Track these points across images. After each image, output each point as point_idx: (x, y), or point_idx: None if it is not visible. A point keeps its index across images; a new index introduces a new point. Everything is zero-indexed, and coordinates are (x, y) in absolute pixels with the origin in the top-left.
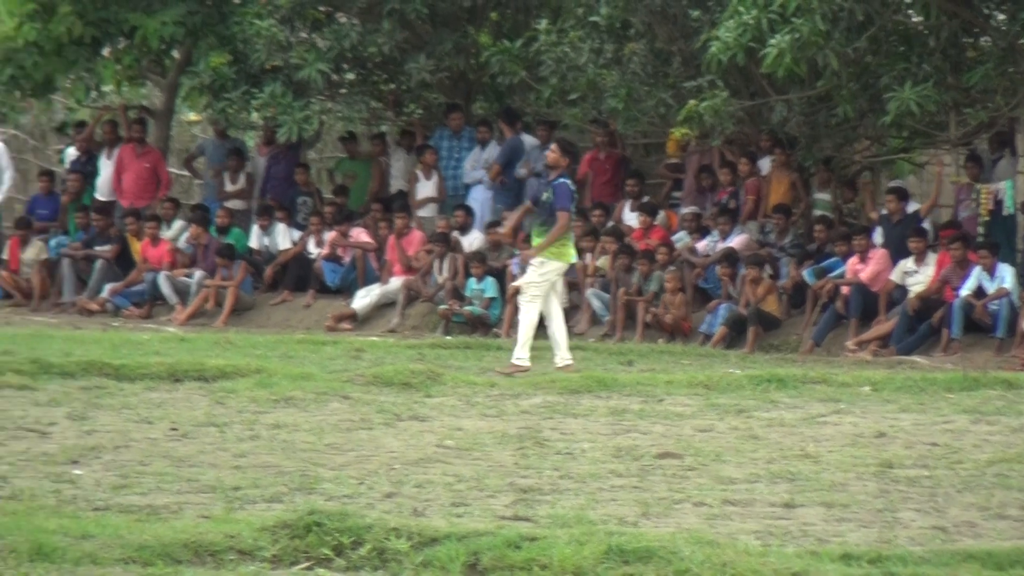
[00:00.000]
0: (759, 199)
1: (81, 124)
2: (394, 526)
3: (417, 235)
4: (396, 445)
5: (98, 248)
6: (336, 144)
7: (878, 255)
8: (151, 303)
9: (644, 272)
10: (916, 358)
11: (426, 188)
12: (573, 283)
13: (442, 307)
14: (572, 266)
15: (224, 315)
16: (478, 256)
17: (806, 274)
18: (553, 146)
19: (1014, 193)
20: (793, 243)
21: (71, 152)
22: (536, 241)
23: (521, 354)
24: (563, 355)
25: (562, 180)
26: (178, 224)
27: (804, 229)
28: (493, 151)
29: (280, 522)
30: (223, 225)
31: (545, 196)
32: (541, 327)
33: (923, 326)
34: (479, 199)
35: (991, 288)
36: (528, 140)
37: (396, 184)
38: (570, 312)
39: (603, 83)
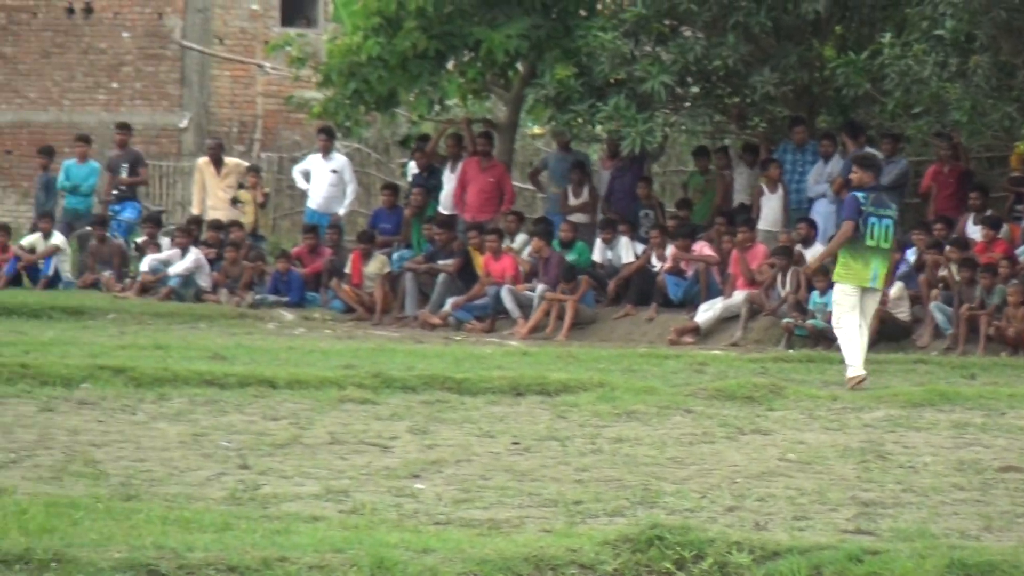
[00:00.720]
0: None
1: (422, 138)
2: (736, 540)
3: (760, 249)
4: (738, 459)
5: (441, 262)
6: (679, 158)
7: None
8: (494, 317)
9: (987, 285)
10: None
11: (771, 202)
12: (916, 296)
13: (785, 320)
14: (914, 279)
15: (565, 329)
16: (821, 269)
17: None
18: (854, 167)
19: None
20: None
21: (414, 166)
22: (840, 259)
23: (851, 370)
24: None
25: (852, 193)
26: (521, 238)
27: None
28: (837, 165)
29: (622, 536)
30: (567, 239)
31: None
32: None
33: None
34: (822, 213)
35: None
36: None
37: (739, 198)
38: (913, 326)
39: (947, 96)
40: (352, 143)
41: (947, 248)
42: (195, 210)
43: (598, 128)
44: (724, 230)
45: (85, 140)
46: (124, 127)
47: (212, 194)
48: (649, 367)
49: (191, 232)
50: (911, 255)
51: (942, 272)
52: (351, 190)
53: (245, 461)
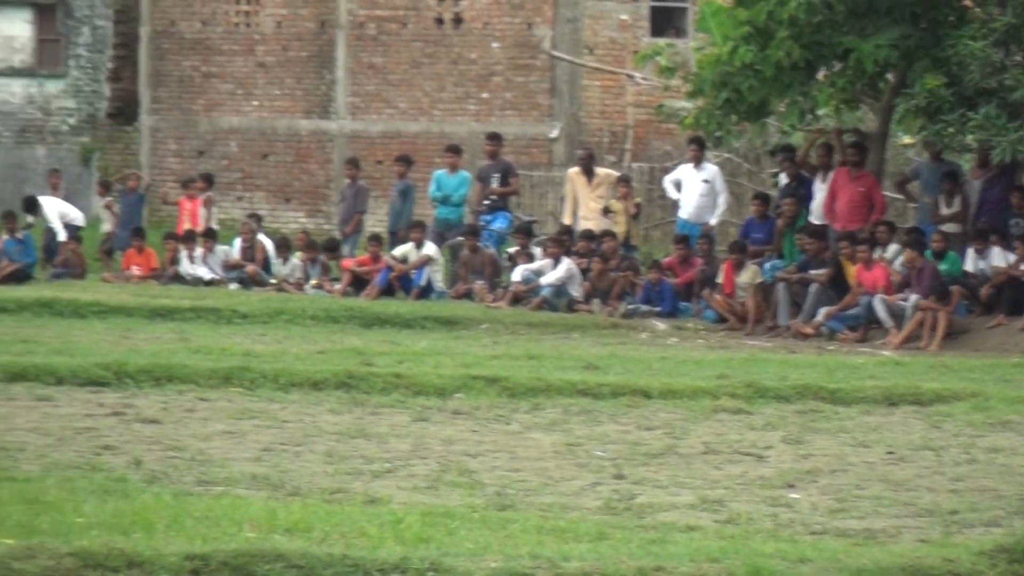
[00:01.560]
0: None
1: (785, 148)
2: None
3: None
4: None
5: (812, 272)
6: None
7: None
8: (866, 327)
9: None
10: None
11: None
12: None
13: None
14: None
15: (937, 339)
16: None
17: None
18: None
19: None
20: None
21: (784, 176)
22: None
23: None
24: None
25: None
26: (893, 248)
27: None
28: None
29: (998, 546)
30: (938, 249)
31: None
32: None
33: None
34: None
35: None
36: None
37: None
38: None
39: None
40: (723, 153)
41: None
42: (566, 220)
43: (968, 138)
44: None
45: (455, 150)
46: (495, 137)
47: (583, 204)
48: (1023, 377)
49: (563, 242)
50: None
51: None
52: (723, 200)
53: (620, 471)
